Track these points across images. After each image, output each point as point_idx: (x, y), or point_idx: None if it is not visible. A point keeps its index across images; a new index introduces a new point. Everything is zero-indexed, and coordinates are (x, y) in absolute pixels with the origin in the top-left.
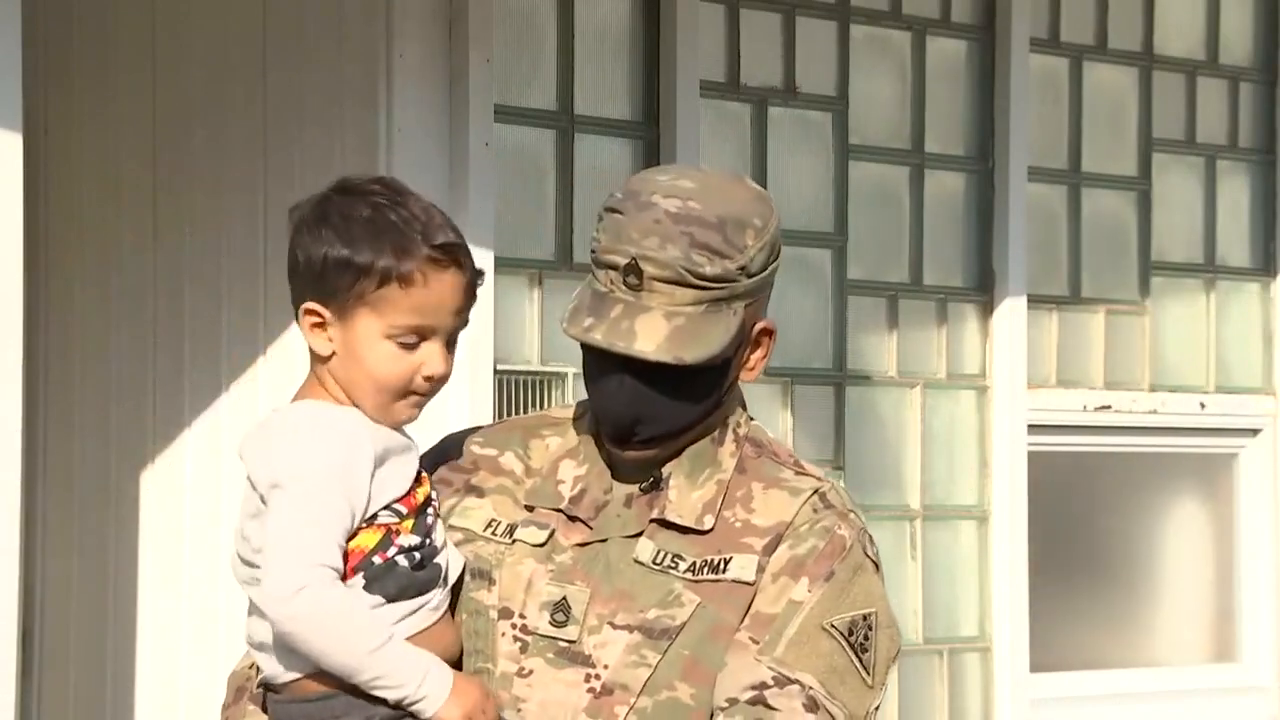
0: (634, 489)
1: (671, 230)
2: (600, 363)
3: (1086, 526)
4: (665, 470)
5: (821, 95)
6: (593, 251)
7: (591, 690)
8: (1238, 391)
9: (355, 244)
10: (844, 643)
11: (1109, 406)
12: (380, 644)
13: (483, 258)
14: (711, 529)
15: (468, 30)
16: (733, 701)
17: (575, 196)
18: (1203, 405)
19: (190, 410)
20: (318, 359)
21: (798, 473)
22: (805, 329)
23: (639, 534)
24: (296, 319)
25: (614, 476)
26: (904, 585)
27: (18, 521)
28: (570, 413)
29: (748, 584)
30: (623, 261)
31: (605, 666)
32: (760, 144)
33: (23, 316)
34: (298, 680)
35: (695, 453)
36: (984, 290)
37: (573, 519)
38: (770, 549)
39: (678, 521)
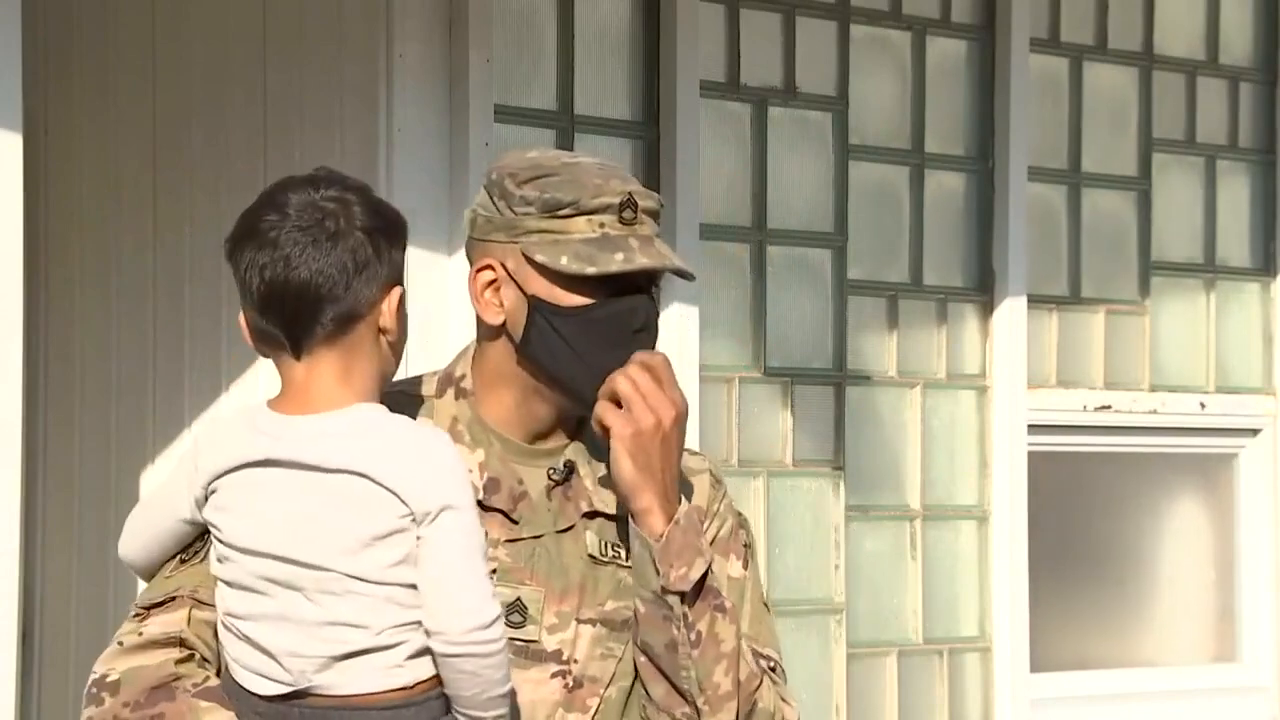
0: (544, 479)
1: (618, 171)
2: (620, 317)
3: (1086, 526)
4: (568, 456)
5: (821, 95)
6: (554, 212)
7: (565, 685)
8: (1238, 391)
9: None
10: (771, 614)
11: (1109, 406)
12: (511, 686)
13: None
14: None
15: (468, 30)
16: None
17: None
18: (1203, 405)
19: (190, 410)
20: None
21: None
22: (805, 329)
23: (570, 528)
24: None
25: (514, 463)
26: (904, 585)
27: (18, 521)
28: (428, 388)
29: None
30: (618, 200)
31: (576, 661)
32: (760, 144)
33: (23, 316)
34: (360, 695)
35: (588, 435)
36: (984, 290)
37: (489, 509)
38: None
39: (607, 511)
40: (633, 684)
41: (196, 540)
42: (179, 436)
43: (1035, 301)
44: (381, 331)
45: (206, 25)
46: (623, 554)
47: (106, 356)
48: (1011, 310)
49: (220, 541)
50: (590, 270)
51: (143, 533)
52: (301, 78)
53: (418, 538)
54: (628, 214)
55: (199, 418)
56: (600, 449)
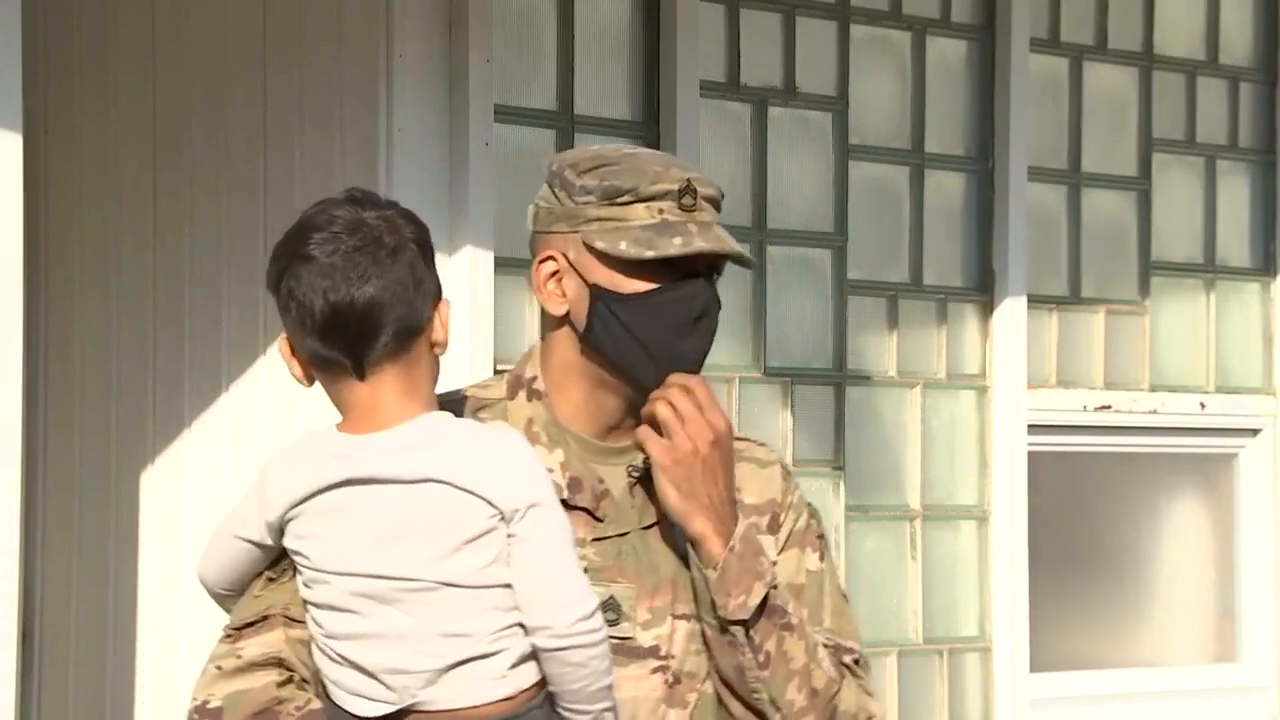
0: (624, 477)
1: (679, 160)
2: (680, 302)
3: (1086, 526)
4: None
5: (821, 95)
6: (614, 199)
7: (666, 681)
8: (1238, 391)
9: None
10: (849, 604)
11: (1109, 406)
12: (614, 677)
13: (483, 258)
14: None
15: (468, 30)
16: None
17: None
18: (1203, 405)
19: (190, 410)
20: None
21: (735, 438)
22: (805, 329)
23: (654, 524)
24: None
25: (592, 462)
26: (904, 585)
27: (18, 521)
28: (498, 391)
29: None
30: (677, 186)
31: (673, 656)
32: (760, 144)
33: (23, 316)
34: (465, 709)
35: None
36: (984, 290)
37: (573, 508)
38: (773, 526)
39: None
40: None
41: (283, 558)
42: (179, 436)
43: (1035, 301)
44: (433, 344)
45: (206, 25)
46: None
47: (106, 356)
48: (1011, 310)
49: (308, 568)
50: (648, 254)
51: (218, 555)
52: (301, 78)
53: (508, 536)
54: (687, 200)
55: (199, 418)
56: None
